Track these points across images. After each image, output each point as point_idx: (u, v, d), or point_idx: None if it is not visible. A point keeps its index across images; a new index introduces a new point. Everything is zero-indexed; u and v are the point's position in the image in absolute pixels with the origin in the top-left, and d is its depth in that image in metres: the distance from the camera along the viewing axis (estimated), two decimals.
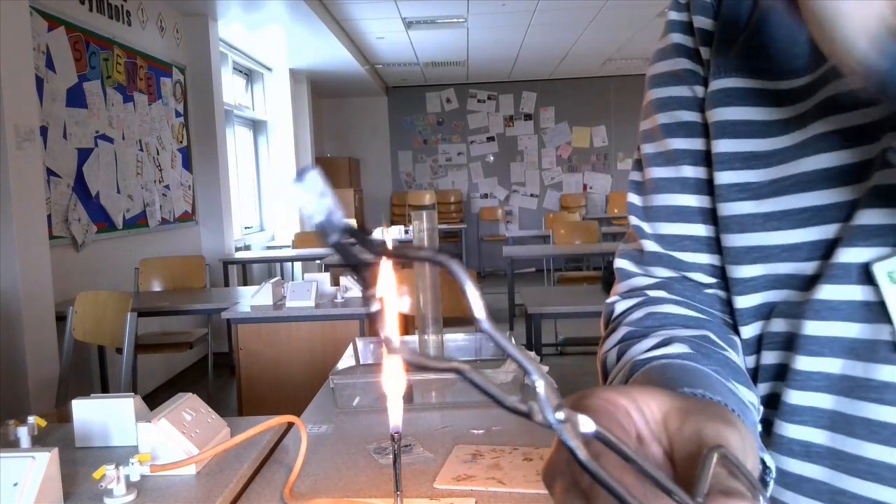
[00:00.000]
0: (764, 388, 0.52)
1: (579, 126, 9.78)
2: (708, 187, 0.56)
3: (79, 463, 1.11)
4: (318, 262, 5.11)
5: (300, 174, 0.24)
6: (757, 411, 0.49)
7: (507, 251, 5.45)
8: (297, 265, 6.98)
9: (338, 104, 9.74)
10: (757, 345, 0.53)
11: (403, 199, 9.75)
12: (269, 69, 7.38)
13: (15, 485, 0.92)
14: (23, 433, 1.13)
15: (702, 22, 0.56)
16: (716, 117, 0.54)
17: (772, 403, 0.51)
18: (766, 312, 0.52)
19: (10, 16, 2.91)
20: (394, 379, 0.64)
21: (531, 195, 9.89)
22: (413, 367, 0.25)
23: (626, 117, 9.71)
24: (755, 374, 0.53)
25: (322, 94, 9.24)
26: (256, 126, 7.39)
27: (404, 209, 9.51)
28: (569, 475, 0.30)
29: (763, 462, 0.38)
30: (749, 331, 0.54)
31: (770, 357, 0.52)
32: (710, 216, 0.56)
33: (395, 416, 0.69)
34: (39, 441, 1.18)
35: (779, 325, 0.51)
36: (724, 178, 0.53)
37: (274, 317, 2.81)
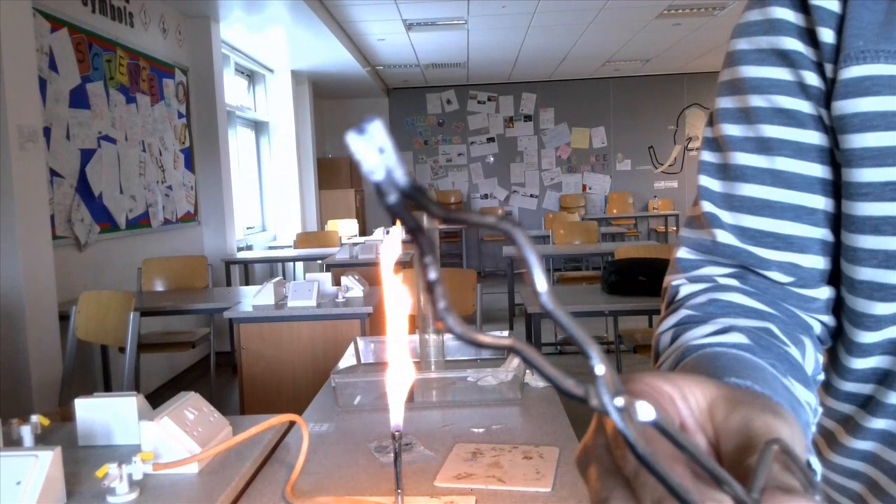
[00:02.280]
0: None
1: (579, 127, 9.78)
2: (804, 183, 0.53)
3: (82, 462, 1.12)
4: (319, 262, 5.12)
5: (361, 125, 0.21)
6: (814, 412, 0.47)
7: (507, 251, 5.46)
8: (299, 265, 6.99)
9: (339, 105, 9.76)
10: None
11: None
12: (271, 70, 7.39)
13: (18, 483, 0.92)
14: (26, 432, 1.14)
15: (823, 0, 0.50)
16: (856, 108, 0.48)
17: None
18: None
19: (13, 17, 2.92)
20: (398, 377, 0.65)
21: (531, 195, 9.89)
22: (466, 342, 0.23)
23: (625, 118, 9.72)
24: (884, 378, 0.53)
25: (323, 96, 9.25)
26: (258, 127, 7.40)
27: None
28: (606, 461, 0.29)
29: (808, 464, 0.38)
30: (886, 333, 0.52)
31: None
32: (801, 213, 0.53)
33: (396, 414, 0.70)
34: (42, 440, 1.19)
35: None
36: (871, 175, 0.49)
37: (276, 316, 2.82)
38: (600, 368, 0.24)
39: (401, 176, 0.22)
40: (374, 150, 0.21)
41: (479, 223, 0.23)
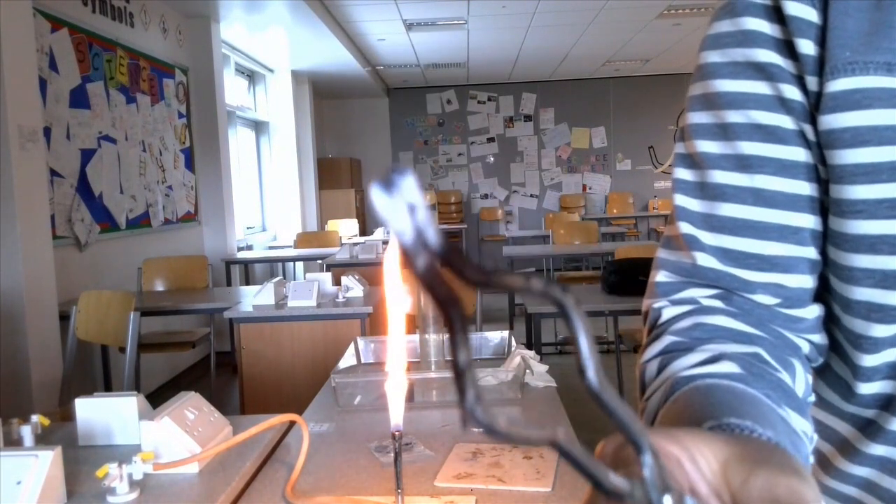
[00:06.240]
0: None
1: (579, 127, 9.79)
2: (787, 201, 0.50)
3: (82, 461, 1.12)
4: (319, 262, 5.12)
5: (390, 178, 0.19)
6: (809, 441, 0.45)
7: (507, 251, 5.47)
8: (299, 265, 6.99)
9: (339, 105, 9.76)
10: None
11: None
12: (271, 70, 7.39)
13: (18, 483, 0.92)
14: (26, 432, 1.14)
15: (800, 10, 0.47)
16: (846, 122, 0.46)
17: None
18: None
19: (13, 17, 2.92)
20: (396, 378, 0.65)
21: (531, 195, 9.90)
22: (506, 440, 0.20)
23: (625, 118, 9.73)
24: (888, 404, 0.51)
25: (323, 96, 9.25)
26: (258, 127, 7.40)
27: None
28: None
29: None
30: (885, 356, 0.50)
31: None
32: (786, 232, 0.51)
33: (396, 414, 0.70)
34: (43, 440, 1.19)
35: None
36: (864, 192, 0.47)
37: (276, 316, 2.82)
38: (647, 462, 0.22)
39: (432, 237, 0.19)
40: (403, 208, 0.19)
41: (522, 289, 0.20)
